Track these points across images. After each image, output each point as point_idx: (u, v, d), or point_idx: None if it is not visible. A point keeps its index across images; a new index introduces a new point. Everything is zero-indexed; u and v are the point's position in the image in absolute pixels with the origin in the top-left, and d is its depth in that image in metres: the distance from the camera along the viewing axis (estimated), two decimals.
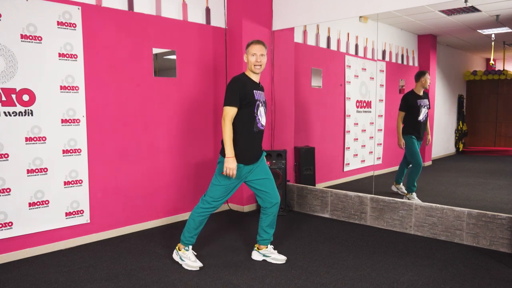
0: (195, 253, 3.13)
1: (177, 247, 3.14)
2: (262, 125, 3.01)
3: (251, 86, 2.94)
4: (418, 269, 2.98)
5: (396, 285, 2.71)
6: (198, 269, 3.01)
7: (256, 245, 3.23)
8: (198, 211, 3.02)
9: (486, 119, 5.69)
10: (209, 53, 4.52)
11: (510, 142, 5.49)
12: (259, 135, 3.02)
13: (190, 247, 3.10)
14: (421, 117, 4.62)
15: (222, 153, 2.94)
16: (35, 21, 3.20)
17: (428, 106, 4.68)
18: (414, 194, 4.53)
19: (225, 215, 4.53)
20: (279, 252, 3.27)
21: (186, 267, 3.03)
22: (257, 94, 2.95)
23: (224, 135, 2.83)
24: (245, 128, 2.92)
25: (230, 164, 2.81)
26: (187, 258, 3.06)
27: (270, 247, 3.22)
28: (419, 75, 4.64)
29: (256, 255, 3.22)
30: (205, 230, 3.98)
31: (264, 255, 3.19)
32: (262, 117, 3.00)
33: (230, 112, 2.84)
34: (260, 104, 2.97)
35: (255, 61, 2.93)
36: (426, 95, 4.66)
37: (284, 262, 3.15)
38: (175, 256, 3.14)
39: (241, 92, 2.86)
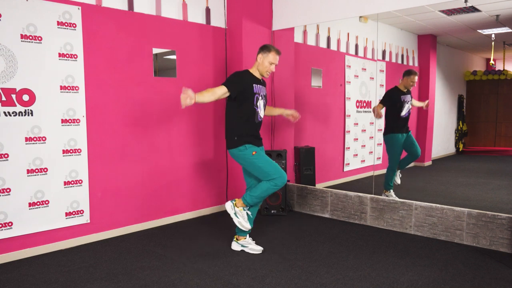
0: (249, 213, 3.26)
1: (234, 202, 3.23)
2: (261, 117, 3.27)
3: (251, 81, 3.18)
4: (418, 269, 2.98)
5: (396, 285, 2.71)
6: (248, 230, 3.26)
7: (236, 236, 3.40)
8: (269, 185, 3.10)
9: (486, 119, 5.70)
10: (209, 53, 4.52)
11: (510, 142, 5.49)
12: (259, 125, 3.28)
13: (247, 208, 3.23)
14: (404, 112, 4.62)
15: (231, 145, 3.17)
16: (35, 21, 3.20)
17: (411, 101, 4.69)
18: (392, 192, 4.55)
19: (225, 215, 4.52)
20: (279, 253, 3.29)
21: (237, 224, 3.19)
22: (257, 87, 3.18)
23: (206, 90, 2.98)
24: (247, 119, 3.16)
25: (186, 93, 2.78)
26: (242, 216, 3.20)
27: (249, 238, 3.39)
28: (404, 74, 4.64)
29: (235, 246, 3.39)
30: (205, 230, 3.99)
31: (242, 245, 3.36)
32: (261, 110, 3.25)
33: (222, 89, 3.03)
34: (260, 98, 3.21)
35: (271, 69, 3.21)
36: (409, 91, 4.68)
37: (260, 252, 3.31)
38: (229, 209, 3.22)
39: (241, 84, 3.10)
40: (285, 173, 3.16)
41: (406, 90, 4.63)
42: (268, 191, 3.14)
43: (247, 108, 3.14)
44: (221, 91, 3.03)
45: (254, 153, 3.13)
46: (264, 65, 3.17)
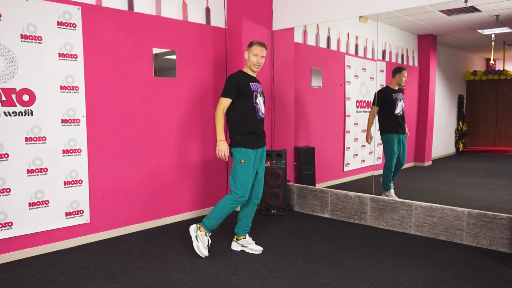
0: (210, 242, 3.29)
1: (198, 225, 3.26)
2: (262, 113, 3.32)
3: (247, 80, 3.24)
4: (418, 269, 2.98)
5: (396, 285, 2.71)
6: (204, 257, 3.19)
7: (235, 236, 3.41)
8: (227, 202, 3.18)
9: (486, 119, 5.70)
10: (209, 53, 4.52)
11: (510, 142, 5.50)
12: (261, 122, 3.32)
13: (209, 234, 3.27)
14: (397, 110, 4.62)
15: (232, 144, 3.22)
16: (35, 21, 3.20)
17: (403, 99, 4.69)
18: (392, 192, 4.54)
19: None
20: (279, 253, 3.29)
21: (196, 248, 3.20)
22: (254, 85, 3.25)
23: (216, 122, 3.14)
24: (249, 116, 3.21)
25: (221, 146, 3.13)
26: (202, 241, 3.21)
27: (249, 238, 3.40)
28: (395, 72, 4.63)
29: (235, 246, 3.40)
30: None
31: (242, 245, 3.36)
32: (261, 106, 3.30)
33: (224, 102, 3.16)
34: (258, 95, 3.27)
35: (256, 61, 3.24)
36: (400, 90, 4.68)
37: (260, 252, 3.31)
38: (192, 231, 3.25)
39: (237, 86, 3.16)
40: (247, 196, 3.18)
41: (398, 88, 4.63)
42: (225, 210, 3.18)
43: (248, 106, 3.20)
44: (224, 105, 3.16)
45: (242, 161, 3.15)
46: (250, 59, 3.23)
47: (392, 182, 4.69)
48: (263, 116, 3.33)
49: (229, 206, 3.18)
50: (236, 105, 3.20)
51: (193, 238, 3.22)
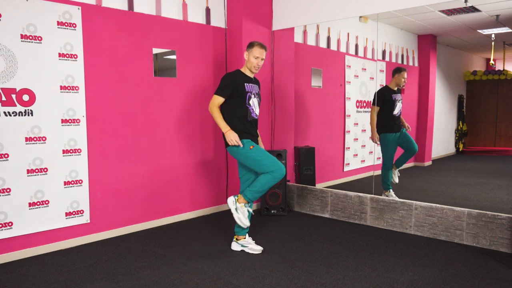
0: (251, 212, 3.26)
1: (237, 198, 3.24)
2: (256, 115, 3.33)
3: (243, 80, 3.24)
4: (418, 269, 2.98)
5: (396, 285, 2.71)
6: (245, 227, 3.26)
7: (235, 236, 3.39)
8: (269, 177, 3.12)
9: (486, 119, 5.70)
10: (209, 53, 4.52)
11: (510, 142, 5.50)
12: (254, 123, 3.33)
13: (248, 205, 3.23)
14: (396, 111, 4.63)
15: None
16: (35, 21, 3.20)
17: (401, 100, 4.71)
18: (391, 191, 4.56)
19: (225, 215, 4.53)
20: (279, 253, 3.29)
21: (237, 220, 3.20)
22: (249, 86, 3.26)
23: (214, 117, 3.17)
24: (240, 117, 3.22)
25: (231, 136, 3.12)
26: (242, 212, 3.19)
27: (249, 238, 3.39)
28: (395, 72, 4.65)
29: (235, 246, 3.39)
30: (205, 230, 3.99)
31: (242, 245, 3.36)
32: (255, 107, 3.30)
33: (216, 99, 3.19)
34: (253, 96, 3.27)
35: (257, 64, 3.25)
36: (399, 90, 4.70)
37: (260, 252, 3.31)
38: (231, 204, 3.23)
39: (233, 85, 3.17)
40: (283, 165, 3.18)
41: (397, 88, 4.64)
42: (267, 184, 3.16)
43: (240, 107, 3.22)
44: (218, 102, 3.18)
45: (251, 147, 3.18)
46: (250, 60, 3.23)
47: (397, 170, 4.70)
48: (257, 118, 3.35)
49: (272, 181, 3.14)
50: (230, 104, 3.22)
51: (233, 211, 3.21)
